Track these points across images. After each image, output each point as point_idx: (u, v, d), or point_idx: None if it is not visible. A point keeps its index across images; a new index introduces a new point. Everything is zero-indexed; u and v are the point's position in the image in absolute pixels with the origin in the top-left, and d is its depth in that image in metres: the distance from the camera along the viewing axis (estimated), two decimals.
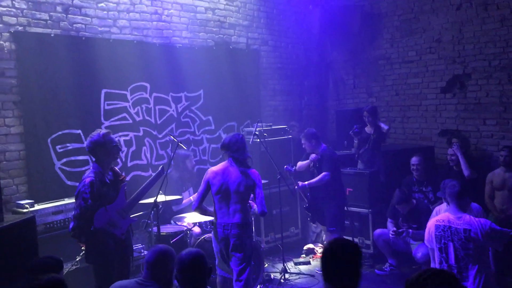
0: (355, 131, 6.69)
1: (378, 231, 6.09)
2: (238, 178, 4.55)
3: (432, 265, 4.41)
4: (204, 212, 4.79)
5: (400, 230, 5.67)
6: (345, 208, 6.20)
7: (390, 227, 5.99)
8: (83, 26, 5.72)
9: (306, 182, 6.00)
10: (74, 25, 5.63)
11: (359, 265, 2.57)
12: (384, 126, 6.71)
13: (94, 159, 4.28)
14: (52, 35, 5.42)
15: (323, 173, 5.89)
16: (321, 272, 2.61)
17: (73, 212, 4.15)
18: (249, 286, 4.66)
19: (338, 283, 2.52)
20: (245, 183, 4.56)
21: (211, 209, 4.73)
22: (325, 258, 2.60)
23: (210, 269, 3.17)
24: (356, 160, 6.88)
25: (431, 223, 4.39)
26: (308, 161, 6.17)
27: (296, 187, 6.08)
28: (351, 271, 2.54)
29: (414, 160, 6.27)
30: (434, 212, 5.21)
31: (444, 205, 4.91)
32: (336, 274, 2.54)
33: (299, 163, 6.32)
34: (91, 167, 4.24)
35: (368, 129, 6.82)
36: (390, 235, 5.75)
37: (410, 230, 5.64)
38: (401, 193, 5.81)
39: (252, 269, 4.68)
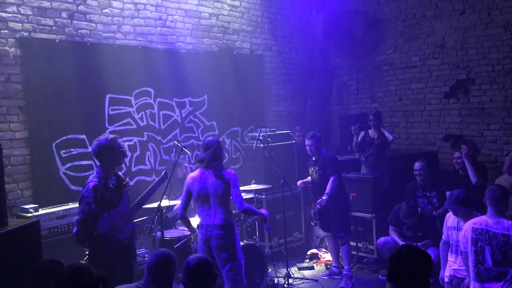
0: (356, 127, 6.70)
1: (381, 240, 6.03)
2: (214, 182, 4.57)
3: (466, 268, 4.52)
4: (187, 223, 4.82)
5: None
6: (350, 213, 6.21)
7: (394, 236, 5.94)
8: (88, 32, 5.76)
9: (324, 197, 5.87)
10: (79, 31, 5.68)
11: (429, 276, 2.61)
12: (389, 136, 6.68)
13: (98, 164, 4.29)
14: (57, 40, 5.47)
15: (332, 178, 5.88)
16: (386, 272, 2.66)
17: (77, 217, 4.15)
18: (240, 284, 4.62)
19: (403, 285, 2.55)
20: (222, 185, 4.57)
21: (193, 226, 4.86)
22: (397, 267, 2.60)
23: (216, 275, 3.18)
24: (358, 160, 6.86)
25: (467, 226, 4.41)
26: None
27: (319, 206, 5.93)
28: (421, 279, 2.57)
29: (417, 165, 6.25)
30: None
31: (450, 214, 4.97)
32: (407, 279, 2.55)
33: (302, 182, 6.39)
34: (95, 172, 4.25)
35: (372, 134, 6.81)
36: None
37: (419, 243, 5.63)
38: (408, 207, 5.67)
39: (241, 268, 4.64)
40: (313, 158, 6.13)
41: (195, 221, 5.69)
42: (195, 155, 6.93)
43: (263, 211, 5.10)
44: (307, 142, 6.08)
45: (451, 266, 4.87)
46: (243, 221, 6.16)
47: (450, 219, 4.98)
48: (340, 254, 6.22)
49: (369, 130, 6.89)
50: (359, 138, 6.79)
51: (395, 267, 2.59)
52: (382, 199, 6.52)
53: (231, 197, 4.65)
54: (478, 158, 6.80)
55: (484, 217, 4.37)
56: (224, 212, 4.59)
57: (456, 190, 4.86)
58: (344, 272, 5.97)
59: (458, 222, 4.84)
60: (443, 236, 5.09)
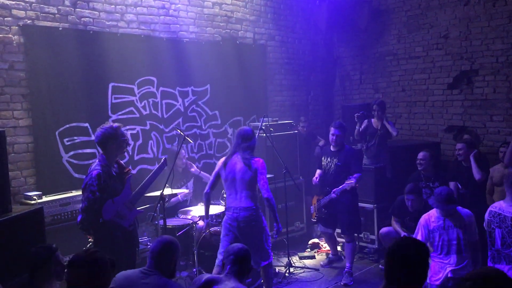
0: (359, 114, 6.71)
1: (384, 230, 6.01)
2: (242, 168, 4.83)
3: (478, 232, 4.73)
4: (207, 203, 5.10)
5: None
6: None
7: (396, 226, 5.95)
8: (91, 20, 5.76)
9: (352, 181, 5.63)
10: (82, 19, 5.67)
11: (426, 266, 2.56)
12: (393, 132, 6.69)
13: (101, 151, 4.31)
14: (60, 28, 5.47)
15: (358, 174, 5.74)
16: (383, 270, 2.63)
17: (81, 205, 4.18)
18: (268, 253, 4.95)
19: (400, 283, 2.49)
20: (249, 172, 4.82)
21: (208, 210, 5.16)
22: (392, 260, 2.54)
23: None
24: (360, 151, 6.87)
25: (488, 210, 4.58)
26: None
27: (334, 195, 5.76)
28: (416, 272, 2.51)
29: (419, 154, 6.25)
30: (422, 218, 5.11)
31: (429, 216, 4.91)
32: (400, 275, 2.50)
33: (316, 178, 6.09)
34: (97, 160, 4.27)
35: (375, 124, 6.80)
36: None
37: None
38: (414, 184, 5.75)
39: (265, 248, 4.92)
40: (332, 149, 5.96)
41: (196, 210, 5.75)
42: (198, 144, 6.97)
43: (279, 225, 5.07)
44: (333, 131, 5.83)
45: (444, 268, 4.76)
46: None
47: (432, 221, 4.87)
48: (341, 249, 6.17)
49: (372, 120, 6.88)
50: (362, 126, 6.78)
51: (391, 266, 2.54)
52: (383, 190, 6.54)
53: (257, 184, 4.88)
54: (481, 149, 6.82)
55: (501, 201, 4.51)
56: (249, 196, 4.84)
57: (443, 188, 4.87)
58: (346, 269, 5.86)
59: (445, 220, 4.78)
60: (419, 239, 4.90)
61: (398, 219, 5.95)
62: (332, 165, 5.91)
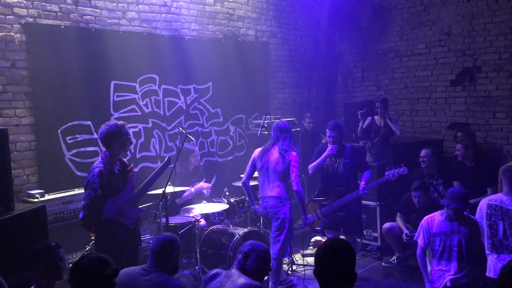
0: (363, 111, 6.69)
1: (387, 225, 6.02)
2: (276, 159, 5.13)
3: (482, 240, 4.70)
4: (247, 192, 5.49)
5: (414, 234, 5.68)
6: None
7: (400, 222, 5.94)
8: (93, 18, 5.75)
9: (363, 182, 5.60)
10: (84, 17, 5.67)
11: (353, 266, 2.55)
12: (397, 130, 6.67)
13: (104, 149, 4.31)
14: (62, 27, 5.46)
15: (369, 170, 5.78)
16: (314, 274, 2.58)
17: (83, 202, 4.19)
18: (285, 249, 5.22)
19: (332, 283, 2.49)
20: (282, 164, 5.10)
21: (251, 196, 5.51)
22: (320, 260, 2.55)
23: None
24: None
25: (483, 203, 4.72)
26: (322, 157, 5.70)
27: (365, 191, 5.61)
28: (346, 272, 2.51)
29: (422, 152, 6.24)
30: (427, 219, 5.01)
31: (434, 219, 4.81)
32: (331, 276, 2.49)
33: (312, 165, 5.85)
34: (100, 158, 4.28)
35: (378, 121, 6.79)
36: (404, 239, 5.69)
37: None
38: (421, 180, 5.75)
39: (288, 238, 5.20)
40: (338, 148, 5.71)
41: (198, 208, 5.74)
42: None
43: (309, 215, 5.48)
44: (329, 133, 5.64)
45: (444, 276, 4.66)
46: (247, 208, 6.21)
47: (436, 224, 4.75)
48: None
49: (375, 117, 6.87)
50: (365, 124, 6.76)
51: (320, 266, 2.54)
52: (386, 187, 6.51)
53: (289, 177, 5.12)
54: (483, 147, 6.82)
55: (500, 194, 4.62)
56: (280, 186, 5.13)
57: (457, 188, 5.03)
58: None
59: (451, 224, 4.66)
60: (419, 242, 4.84)
61: (404, 216, 5.93)
62: (340, 165, 5.67)
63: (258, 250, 3.28)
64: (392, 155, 6.78)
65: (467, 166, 6.09)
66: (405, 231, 5.70)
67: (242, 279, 3.09)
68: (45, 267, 3.18)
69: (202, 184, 6.17)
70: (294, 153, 5.12)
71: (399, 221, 5.95)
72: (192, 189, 6.06)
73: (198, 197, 6.19)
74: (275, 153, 5.17)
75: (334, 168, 5.73)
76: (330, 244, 2.59)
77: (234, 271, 3.19)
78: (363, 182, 5.63)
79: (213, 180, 6.41)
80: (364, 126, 6.75)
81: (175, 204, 5.96)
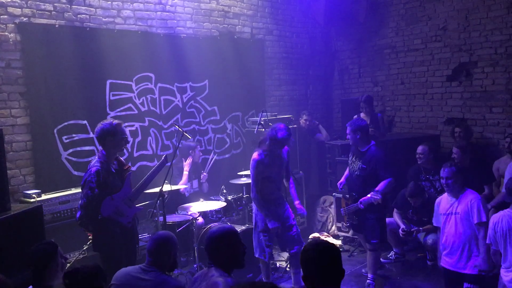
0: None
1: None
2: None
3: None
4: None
5: (413, 229, 5.70)
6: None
7: (397, 218, 5.97)
8: (88, 16, 5.73)
9: (377, 197, 5.02)
10: (79, 16, 5.65)
11: (340, 266, 2.55)
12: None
13: (100, 148, 4.31)
14: (56, 26, 5.44)
15: (388, 180, 5.09)
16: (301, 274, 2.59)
17: (80, 202, 4.19)
18: (257, 249, 5.21)
19: (319, 285, 2.49)
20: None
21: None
22: (305, 263, 2.55)
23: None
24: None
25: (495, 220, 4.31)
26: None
27: (361, 206, 5.18)
28: (331, 273, 2.51)
29: (419, 148, 6.25)
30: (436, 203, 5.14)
31: (445, 195, 4.96)
32: (317, 277, 2.50)
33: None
34: (97, 157, 4.27)
35: (364, 119, 6.82)
36: (400, 234, 5.74)
37: (421, 228, 5.65)
38: (415, 186, 5.76)
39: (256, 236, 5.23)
40: (360, 149, 5.33)
41: (196, 206, 5.74)
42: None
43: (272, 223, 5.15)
44: (347, 130, 5.38)
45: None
46: (245, 205, 6.21)
47: (443, 203, 4.95)
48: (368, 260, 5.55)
49: (361, 115, 6.93)
50: None
51: (306, 267, 2.55)
52: None
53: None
54: (480, 142, 6.82)
55: (506, 211, 4.25)
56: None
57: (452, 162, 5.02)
58: (368, 280, 5.40)
59: (452, 204, 4.81)
60: (434, 223, 5.15)
61: (400, 212, 5.97)
62: (357, 169, 5.32)
63: (213, 238, 3.09)
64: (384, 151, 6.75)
65: (462, 167, 6.07)
66: (402, 226, 5.74)
67: (211, 274, 2.99)
68: (57, 263, 3.18)
69: (188, 161, 6.16)
70: (254, 154, 5.15)
71: (396, 217, 5.98)
72: (185, 172, 6.08)
73: (196, 194, 6.19)
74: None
75: (353, 169, 5.44)
76: (307, 249, 2.59)
77: (211, 268, 3.09)
78: (371, 193, 5.08)
79: (212, 159, 6.63)
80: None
81: (178, 199, 5.94)
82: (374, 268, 5.41)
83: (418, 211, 5.82)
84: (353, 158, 5.43)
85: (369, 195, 5.07)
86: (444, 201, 4.95)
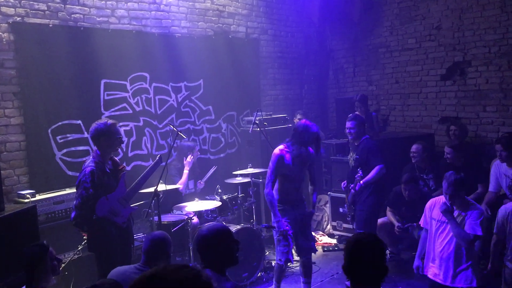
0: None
1: (379, 220, 6.00)
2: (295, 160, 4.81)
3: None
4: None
5: (406, 226, 5.71)
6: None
7: (390, 216, 5.99)
8: (81, 16, 5.71)
9: (361, 181, 5.34)
10: (72, 15, 5.63)
11: (383, 261, 2.54)
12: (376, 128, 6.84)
13: (95, 148, 4.30)
14: (50, 25, 5.42)
15: (378, 166, 5.33)
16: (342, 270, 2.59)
17: (75, 202, 4.17)
18: (280, 254, 4.78)
19: (361, 281, 2.49)
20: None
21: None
22: (348, 257, 2.55)
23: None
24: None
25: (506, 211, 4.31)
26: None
27: (353, 190, 5.43)
28: (375, 267, 2.51)
29: (413, 147, 6.27)
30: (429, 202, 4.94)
31: (440, 200, 4.65)
32: (360, 272, 2.50)
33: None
34: (91, 157, 4.26)
35: None
36: (396, 231, 5.75)
37: (415, 223, 5.65)
38: (410, 174, 5.79)
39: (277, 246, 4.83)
40: (355, 143, 5.60)
41: (191, 205, 5.73)
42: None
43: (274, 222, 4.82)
44: (347, 124, 5.54)
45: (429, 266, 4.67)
46: (240, 204, 6.21)
47: (436, 210, 4.59)
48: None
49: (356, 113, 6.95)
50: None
51: (349, 263, 2.55)
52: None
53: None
54: (474, 140, 6.84)
55: None
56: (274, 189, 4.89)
57: (453, 172, 4.53)
58: None
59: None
60: (421, 223, 4.83)
61: (394, 210, 5.98)
62: (352, 160, 5.63)
63: (204, 237, 2.99)
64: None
65: (456, 166, 6.09)
66: (396, 224, 5.76)
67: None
68: (46, 266, 3.18)
69: (188, 160, 6.17)
70: (276, 148, 4.85)
71: (389, 215, 6.00)
72: (186, 170, 6.10)
73: (192, 195, 6.18)
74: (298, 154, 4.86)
75: (350, 163, 5.71)
76: (355, 239, 2.60)
77: (205, 270, 3.05)
78: (360, 181, 5.35)
79: (212, 170, 6.51)
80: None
81: (173, 199, 5.94)
82: None
83: (411, 207, 5.82)
84: (351, 153, 5.68)
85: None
86: (439, 206, 4.59)
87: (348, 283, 2.92)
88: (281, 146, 4.82)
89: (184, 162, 6.12)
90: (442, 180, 4.66)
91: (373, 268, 2.50)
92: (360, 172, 5.34)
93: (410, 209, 5.84)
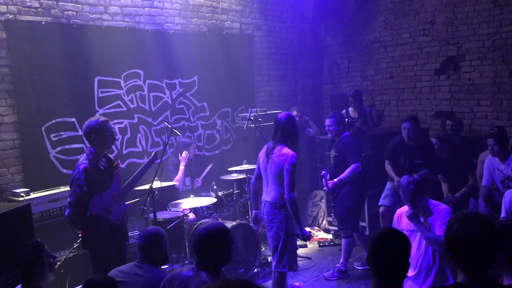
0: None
1: (380, 210, 5.88)
2: (274, 160, 4.49)
3: None
4: (251, 188, 5.01)
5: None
6: (359, 210, 5.79)
7: (390, 169, 5.84)
8: (74, 13, 5.68)
9: (335, 179, 5.42)
10: (65, 12, 5.59)
11: (407, 257, 2.48)
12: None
13: (89, 145, 4.28)
14: (43, 23, 5.39)
15: (353, 165, 5.36)
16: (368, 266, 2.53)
17: (69, 199, 4.16)
18: (281, 267, 4.56)
19: (386, 276, 2.43)
20: (279, 165, 4.44)
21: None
22: (374, 252, 2.48)
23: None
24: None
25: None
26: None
27: (325, 188, 5.58)
28: (400, 264, 2.44)
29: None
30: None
31: (402, 213, 4.27)
32: (385, 268, 2.42)
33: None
34: (85, 154, 4.25)
35: (352, 113, 6.87)
36: (396, 185, 5.48)
37: (415, 174, 5.39)
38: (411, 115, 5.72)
39: (287, 254, 4.59)
40: (336, 140, 5.64)
41: (186, 202, 5.73)
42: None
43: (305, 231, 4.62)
44: (326, 122, 5.60)
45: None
46: (235, 201, 6.21)
47: (404, 219, 4.18)
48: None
49: (349, 109, 6.96)
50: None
51: (373, 257, 2.48)
52: (373, 177, 6.55)
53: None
54: (469, 134, 6.86)
55: None
56: (276, 190, 4.50)
57: (408, 177, 4.14)
58: (338, 264, 5.64)
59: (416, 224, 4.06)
60: None
61: (392, 162, 5.84)
62: (332, 156, 5.70)
63: (202, 237, 2.92)
64: (370, 145, 6.78)
65: (443, 158, 6.08)
66: (395, 178, 5.58)
67: (202, 280, 2.89)
68: (44, 264, 3.16)
69: (184, 155, 6.18)
70: (290, 153, 4.43)
71: (388, 169, 5.85)
72: (181, 166, 6.11)
73: (188, 192, 6.18)
74: (274, 153, 4.56)
75: (331, 159, 5.77)
76: (382, 233, 2.54)
77: (200, 272, 2.96)
78: (335, 180, 5.41)
79: (209, 167, 6.51)
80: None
81: (168, 196, 5.94)
82: (347, 255, 5.62)
83: (410, 156, 5.65)
84: (332, 150, 5.73)
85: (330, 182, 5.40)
86: (406, 215, 4.17)
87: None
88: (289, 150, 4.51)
89: (180, 158, 6.12)
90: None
91: (395, 263, 2.43)
92: (325, 171, 5.48)
93: (408, 159, 5.67)
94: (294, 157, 4.41)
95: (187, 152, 6.16)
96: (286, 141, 4.52)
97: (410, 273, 4.06)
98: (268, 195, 4.59)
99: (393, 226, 4.31)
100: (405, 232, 3.83)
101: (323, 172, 5.54)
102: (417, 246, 4.07)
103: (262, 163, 4.70)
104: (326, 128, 5.60)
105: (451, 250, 2.24)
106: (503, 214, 4.47)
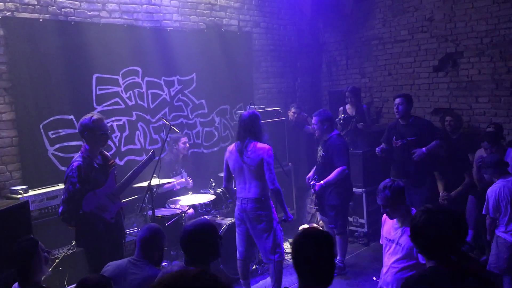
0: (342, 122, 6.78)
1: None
2: (248, 156, 4.60)
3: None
4: (230, 194, 5.16)
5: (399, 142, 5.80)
6: (348, 209, 5.87)
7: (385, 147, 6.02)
8: (72, 10, 5.67)
9: (322, 181, 5.45)
10: (63, 9, 5.58)
11: (332, 258, 2.39)
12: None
13: (84, 143, 4.29)
14: (40, 20, 5.38)
15: (340, 168, 5.38)
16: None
17: (62, 197, 4.18)
18: (278, 256, 4.71)
19: (311, 279, 2.32)
20: (255, 160, 4.57)
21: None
22: (296, 253, 2.39)
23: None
24: None
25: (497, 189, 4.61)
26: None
27: (313, 190, 5.57)
28: (324, 265, 2.34)
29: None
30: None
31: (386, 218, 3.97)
32: (309, 269, 2.33)
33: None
34: (80, 152, 4.25)
35: (349, 110, 6.88)
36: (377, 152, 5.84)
37: (424, 148, 5.62)
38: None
39: (277, 238, 4.75)
40: (324, 139, 5.62)
41: (185, 199, 5.73)
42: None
43: (290, 214, 4.85)
44: (312, 120, 5.67)
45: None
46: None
47: (388, 224, 3.92)
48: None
49: (346, 106, 6.95)
50: (341, 116, 6.86)
51: (296, 262, 2.39)
52: (371, 174, 6.57)
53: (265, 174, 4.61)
54: (467, 131, 6.87)
55: None
56: (257, 186, 4.64)
57: (388, 181, 3.87)
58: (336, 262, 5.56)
59: (396, 231, 3.77)
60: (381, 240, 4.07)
61: (387, 145, 6.02)
62: (319, 156, 5.70)
63: (188, 234, 2.98)
64: (367, 142, 6.79)
65: (440, 155, 6.09)
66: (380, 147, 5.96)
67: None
68: (40, 258, 3.18)
69: (183, 180, 6.18)
70: (266, 147, 4.61)
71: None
72: (176, 182, 6.07)
73: (186, 189, 6.18)
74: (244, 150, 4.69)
75: (318, 158, 5.75)
76: (301, 235, 2.45)
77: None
78: (322, 182, 5.43)
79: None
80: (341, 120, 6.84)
81: (158, 194, 5.94)
82: (343, 251, 5.69)
83: (402, 134, 5.79)
84: (319, 147, 5.72)
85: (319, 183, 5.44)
86: (389, 221, 3.90)
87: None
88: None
89: (177, 182, 6.14)
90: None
91: (318, 267, 2.33)
92: (313, 174, 5.64)
93: (400, 137, 5.82)
94: (271, 149, 4.62)
95: (182, 178, 6.16)
96: (253, 138, 4.64)
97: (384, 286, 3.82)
98: (248, 192, 4.69)
99: (381, 225, 4.08)
100: (383, 240, 3.90)
101: (312, 181, 5.56)
102: (392, 258, 3.73)
103: (234, 163, 4.75)
104: (312, 126, 5.66)
105: (415, 239, 2.40)
106: (491, 214, 4.65)
